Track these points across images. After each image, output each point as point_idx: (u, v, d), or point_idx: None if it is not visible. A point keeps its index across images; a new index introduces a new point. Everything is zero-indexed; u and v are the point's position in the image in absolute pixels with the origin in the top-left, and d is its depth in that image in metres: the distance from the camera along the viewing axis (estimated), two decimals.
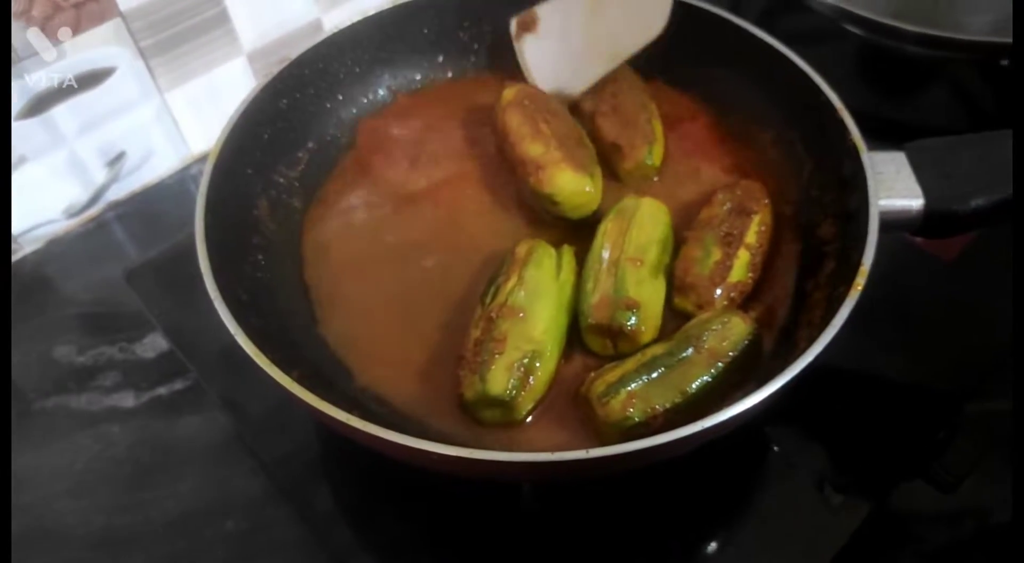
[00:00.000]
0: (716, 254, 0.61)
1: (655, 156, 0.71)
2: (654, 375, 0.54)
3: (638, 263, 0.60)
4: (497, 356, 0.55)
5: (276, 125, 0.69)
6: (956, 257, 0.74)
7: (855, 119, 0.63)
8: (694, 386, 0.54)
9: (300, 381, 0.49)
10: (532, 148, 0.67)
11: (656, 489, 0.61)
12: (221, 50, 0.86)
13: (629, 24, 0.71)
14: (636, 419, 0.52)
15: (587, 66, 0.73)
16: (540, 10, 0.71)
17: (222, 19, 0.84)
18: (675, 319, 0.61)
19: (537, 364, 0.56)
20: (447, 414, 0.57)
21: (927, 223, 0.59)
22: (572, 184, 0.65)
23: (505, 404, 0.54)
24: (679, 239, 0.65)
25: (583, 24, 0.72)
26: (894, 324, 0.70)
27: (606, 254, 0.61)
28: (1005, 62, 0.82)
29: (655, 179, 0.71)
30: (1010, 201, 0.58)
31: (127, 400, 0.70)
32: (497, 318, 0.57)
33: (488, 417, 0.56)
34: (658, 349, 0.56)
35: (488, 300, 0.59)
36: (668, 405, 0.53)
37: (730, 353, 0.55)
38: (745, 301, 0.62)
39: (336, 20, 0.90)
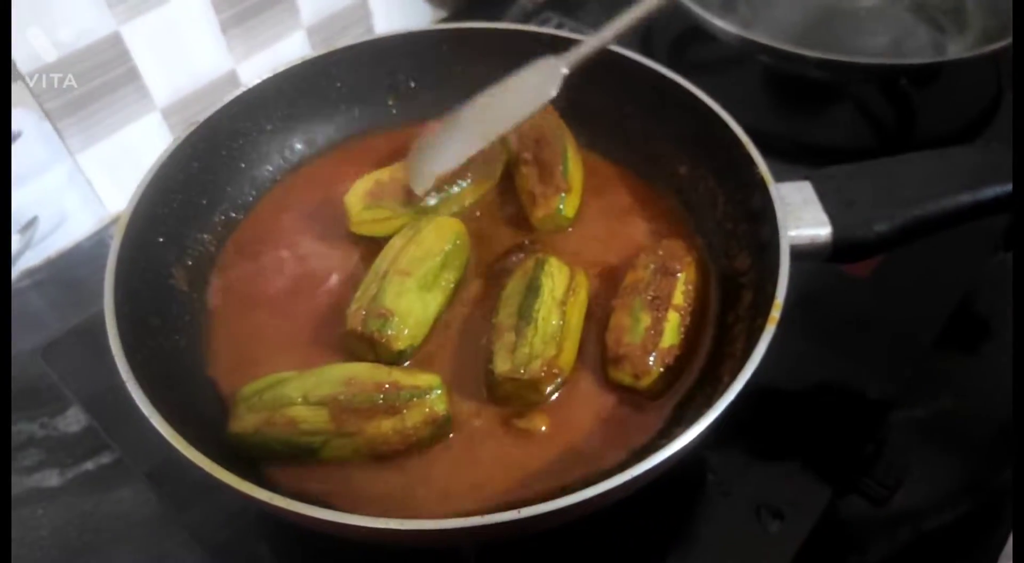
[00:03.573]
0: (646, 320, 0.60)
1: (568, 206, 0.70)
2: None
3: (405, 275, 0.62)
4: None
5: (188, 190, 0.68)
6: (870, 273, 0.76)
7: (765, 143, 0.64)
8: None
9: (219, 461, 0.48)
10: None
11: (595, 525, 0.60)
12: (133, 107, 0.84)
13: (513, 105, 0.67)
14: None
15: (461, 147, 0.69)
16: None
17: (132, 76, 0.82)
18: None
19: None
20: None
21: (836, 250, 0.60)
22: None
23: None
24: (607, 308, 0.64)
25: (470, 116, 0.69)
26: (816, 341, 0.72)
27: (381, 267, 0.64)
28: (903, 81, 0.85)
29: (569, 230, 0.71)
30: (909, 226, 0.60)
31: (51, 479, 0.67)
32: None
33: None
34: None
35: None
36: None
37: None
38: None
39: (252, 70, 0.90)
